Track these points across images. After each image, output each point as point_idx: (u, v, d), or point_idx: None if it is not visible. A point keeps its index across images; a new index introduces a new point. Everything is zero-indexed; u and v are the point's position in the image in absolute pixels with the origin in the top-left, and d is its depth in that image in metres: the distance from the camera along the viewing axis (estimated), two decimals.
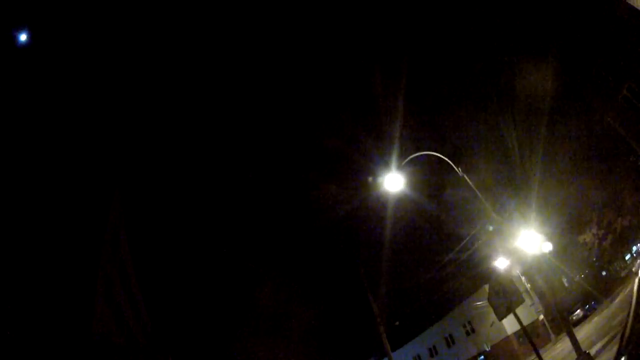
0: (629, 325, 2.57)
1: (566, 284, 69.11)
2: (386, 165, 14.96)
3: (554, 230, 46.45)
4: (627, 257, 64.00)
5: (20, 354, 18.79)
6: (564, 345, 31.41)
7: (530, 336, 13.43)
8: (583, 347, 14.15)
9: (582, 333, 29.36)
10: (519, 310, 11.73)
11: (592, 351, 18.50)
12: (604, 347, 17.78)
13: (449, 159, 14.77)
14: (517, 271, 38.12)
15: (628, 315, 2.63)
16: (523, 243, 34.41)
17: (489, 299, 10.39)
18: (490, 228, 14.65)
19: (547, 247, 38.27)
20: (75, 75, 26.16)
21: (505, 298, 9.50)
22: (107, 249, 27.07)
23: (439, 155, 15.11)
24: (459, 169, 14.67)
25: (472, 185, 14.19)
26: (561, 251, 51.01)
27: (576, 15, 21.33)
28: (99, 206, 26.51)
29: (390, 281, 51.94)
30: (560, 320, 29.73)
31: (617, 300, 34.81)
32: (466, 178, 14.45)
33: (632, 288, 2.72)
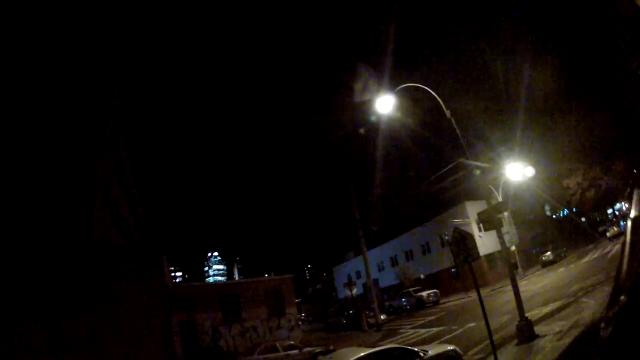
0: (625, 263, 2.68)
1: (548, 213, 72.11)
2: (381, 91, 15.75)
3: (540, 162, 48.01)
4: (609, 211, 67.09)
5: (22, 259, 20.18)
6: (528, 283, 31.99)
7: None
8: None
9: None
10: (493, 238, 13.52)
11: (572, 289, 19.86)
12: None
13: (444, 96, 15.64)
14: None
15: (622, 253, 2.74)
16: (508, 173, 36.30)
17: (450, 245, 11.99)
18: (477, 172, 15.65)
19: (530, 171, 39.98)
20: None
21: (464, 250, 11.00)
22: (105, 149, 27.72)
23: (429, 90, 15.95)
24: (448, 111, 15.64)
25: (458, 130, 15.24)
26: (545, 183, 53.16)
27: None
28: (98, 107, 26.81)
29: (375, 191, 54.38)
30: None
31: (589, 255, 34.98)
32: (452, 121, 15.41)
33: (625, 228, 2.89)
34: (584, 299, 15.14)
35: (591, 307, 13.57)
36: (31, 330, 18.94)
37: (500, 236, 14.29)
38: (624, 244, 2.79)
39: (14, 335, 18.46)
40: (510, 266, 13.18)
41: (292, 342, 20.86)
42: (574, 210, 62.31)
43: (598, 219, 67.96)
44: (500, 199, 39.44)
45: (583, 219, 66.92)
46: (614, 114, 41.65)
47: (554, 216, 72.92)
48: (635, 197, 2.99)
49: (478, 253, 11.45)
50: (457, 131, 15.29)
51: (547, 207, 70.89)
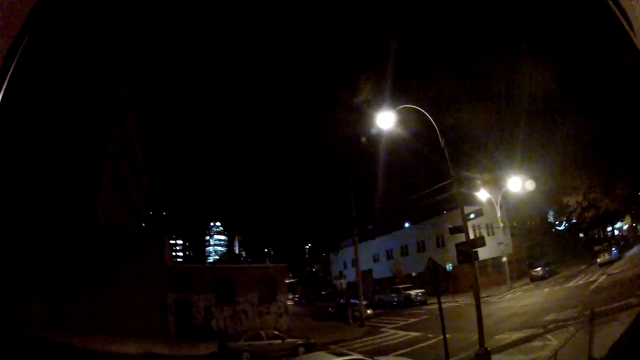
0: None
1: (550, 219, 72.63)
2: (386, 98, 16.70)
3: (542, 174, 48.79)
4: (609, 229, 67.37)
5: (28, 238, 21.31)
6: (512, 298, 32.58)
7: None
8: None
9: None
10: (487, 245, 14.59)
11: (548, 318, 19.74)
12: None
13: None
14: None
15: None
16: (509, 185, 37.26)
17: (424, 272, 13.31)
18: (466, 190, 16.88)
19: (531, 185, 40.88)
20: None
21: (435, 280, 12.15)
22: (115, 129, 28.69)
23: (427, 115, 16.94)
24: (443, 139, 16.56)
25: (449, 161, 16.31)
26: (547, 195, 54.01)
27: None
28: (109, 89, 27.65)
29: (377, 187, 55.41)
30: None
31: (577, 279, 34.52)
32: (445, 151, 16.46)
33: None
34: (549, 337, 15.34)
35: (553, 347, 13.84)
36: (33, 303, 20.31)
37: (474, 266, 15.27)
38: None
39: (15, 307, 19.77)
40: (477, 296, 14.14)
41: (276, 332, 22.05)
42: (574, 221, 62.72)
43: (597, 236, 68.25)
44: (498, 208, 40.55)
45: (581, 235, 67.83)
46: (614, 121, 42.23)
47: (555, 226, 73.53)
48: None
49: (447, 285, 12.62)
50: (449, 163, 16.32)
51: (550, 214, 71.61)
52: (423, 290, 38.75)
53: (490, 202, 40.39)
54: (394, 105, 17.17)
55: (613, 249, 40.81)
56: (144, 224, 34.37)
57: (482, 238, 15.22)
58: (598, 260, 39.47)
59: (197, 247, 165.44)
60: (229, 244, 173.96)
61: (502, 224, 41.88)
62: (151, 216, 45.87)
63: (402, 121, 18.23)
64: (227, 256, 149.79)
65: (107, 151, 26.53)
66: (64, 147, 23.89)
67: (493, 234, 45.69)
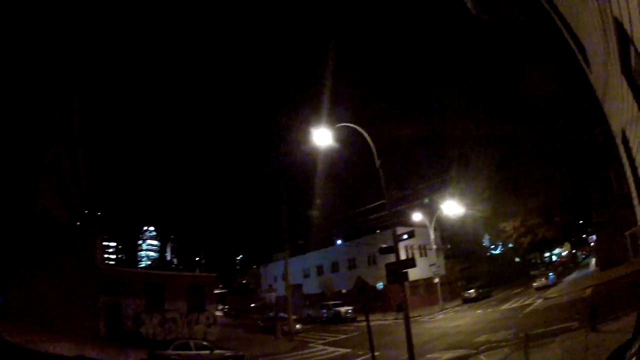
0: None
1: (486, 243, 75.27)
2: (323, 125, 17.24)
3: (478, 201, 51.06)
4: (547, 254, 69.87)
5: None
6: (444, 318, 33.23)
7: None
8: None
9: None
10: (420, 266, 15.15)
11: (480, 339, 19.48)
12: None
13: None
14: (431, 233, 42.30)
15: None
16: (444, 208, 39.13)
17: (353, 289, 13.91)
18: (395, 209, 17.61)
19: (463, 209, 42.95)
20: None
21: (364, 296, 12.82)
22: (58, 121, 28.05)
23: (365, 135, 17.45)
24: (379, 161, 17.13)
25: (383, 182, 17.00)
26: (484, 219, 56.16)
27: None
28: (55, 79, 27.01)
29: (311, 201, 56.37)
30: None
31: (511, 302, 34.96)
32: (380, 172, 17.04)
33: None
34: (482, 357, 15.41)
35: None
36: None
37: (403, 287, 16.07)
38: None
39: None
40: (406, 315, 14.87)
41: (205, 343, 22.10)
42: (511, 246, 65.42)
43: (533, 260, 70.11)
44: (432, 231, 42.18)
45: (517, 259, 69.59)
46: (555, 155, 44.85)
47: (490, 249, 76.16)
48: None
49: (374, 304, 13.32)
50: (383, 184, 17.08)
51: (486, 238, 74.28)
52: (352, 307, 39.08)
53: (425, 224, 42.02)
54: (334, 122, 17.69)
55: (550, 273, 41.95)
56: (79, 222, 33.42)
57: (412, 259, 15.65)
58: (534, 284, 40.34)
59: (129, 250, 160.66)
60: (162, 250, 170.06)
61: (435, 246, 43.32)
62: (86, 214, 44.55)
63: (344, 139, 19.00)
64: (159, 262, 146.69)
65: (49, 142, 25.96)
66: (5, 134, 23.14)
67: (426, 255, 47.42)
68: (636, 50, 3.48)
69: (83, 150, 38.37)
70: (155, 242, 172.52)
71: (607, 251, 33.28)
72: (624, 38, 3.71)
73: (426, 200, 44.87)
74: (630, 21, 3.22)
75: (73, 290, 23.16)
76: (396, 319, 32.78)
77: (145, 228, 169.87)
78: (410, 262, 15.39)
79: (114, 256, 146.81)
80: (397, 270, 15.06)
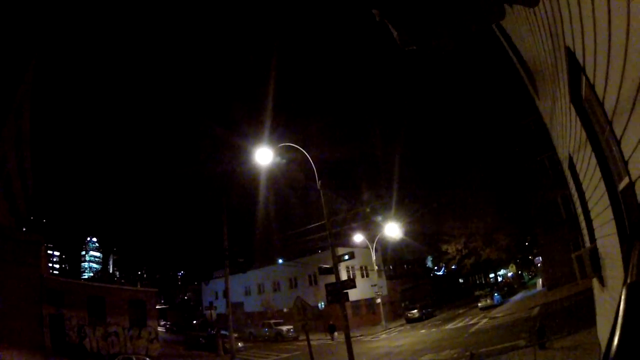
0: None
1: (429, 264, 77.04)
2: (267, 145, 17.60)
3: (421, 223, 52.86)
4: (492, 275, 72.19)
5: None
6: (387, 338, 33.28)
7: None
8: None
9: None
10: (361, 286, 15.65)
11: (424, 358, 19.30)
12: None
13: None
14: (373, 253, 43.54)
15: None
16: (386, 230, 40.36)
17: (293, 310, 14.62)
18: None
19: (401, 231, 44.37)
20: None
21: (304, 318, 13.68)
22: (10, 122, 27.68)
23: (307, 156, 17.35)
24: (319, 181, 17.24)
25: (323, 202, 17.16)
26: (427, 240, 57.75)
27: None
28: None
29: (253, 219, 57.06)
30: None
31: (455, 322, 34.95)
32: (321, 193, 17.25)
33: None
34: None
35: None
36: None
37: (344, 307, 16.97)
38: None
39: None
40: (347, 335, 15.33)
41: (147, 358, 22.36)
42: (454, 267, 66.04)
43: (478, 281, 71.65)
44: (373, 252, 43.51)
45: (461, 280, 71.10)
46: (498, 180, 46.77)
47: (434, 270, 77.74)
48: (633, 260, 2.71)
49: (312, 325, 14.16)
50: (323, 205, 17.42)
51: (429, 259, 75.94)
52: (293, 327, 39.24)
53: (367, 245, 43.26)
54: (278, 142, 17.77)
55: (495, 294, 42.52)
56: (24, 228, 32.86)
57: (353, 280, 16.18)
58: (479, 304, 40.55)
59: (72, 261, 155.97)
60: (104, 262, 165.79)
61: (376, 267, 44.45)
62: (32, 221, 43.67)
63: (287, 159, 19.47)
64: (102, 274, 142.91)
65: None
66: None
67: (367, 275, 48.25)
68: (587, 79, 3.51)
69: (31, 154, 37.76)
70: (97, 254, 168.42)
71: (553, 272, 34.34)
72: (575, 67, 3.82)
73: (368, 221, 46.06)
74: (583, 51, 3.30)
75: (16, 298, 22.64)
76: (339, 339, 32.61)
77: (88, 239, 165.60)
78: (351, 283, 15.84)
79: (57, 265, 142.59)
80: (337, 291, 15.42)
